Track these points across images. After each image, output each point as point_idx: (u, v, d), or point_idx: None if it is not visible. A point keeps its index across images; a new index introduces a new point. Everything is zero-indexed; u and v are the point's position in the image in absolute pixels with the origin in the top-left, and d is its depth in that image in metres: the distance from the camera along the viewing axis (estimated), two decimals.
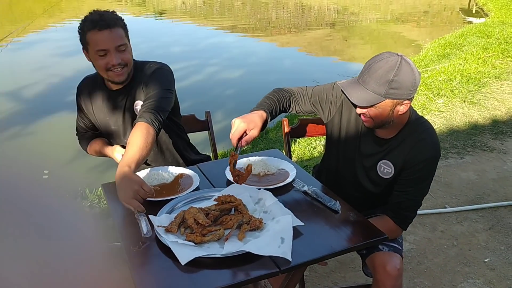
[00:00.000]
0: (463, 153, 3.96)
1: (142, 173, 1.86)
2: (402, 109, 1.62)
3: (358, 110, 1.66)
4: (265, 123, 1.70)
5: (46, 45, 10.79)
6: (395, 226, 1.74)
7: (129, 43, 1.96)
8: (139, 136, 1.68)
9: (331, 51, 10.75)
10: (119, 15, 1.95)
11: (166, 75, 2.00)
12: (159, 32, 12.70)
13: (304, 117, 2.51)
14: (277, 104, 1.82)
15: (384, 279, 1.67)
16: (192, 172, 1.88)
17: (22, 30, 12.40)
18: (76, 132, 2.28)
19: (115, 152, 2.08)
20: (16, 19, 15.29)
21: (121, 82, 1.97)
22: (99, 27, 1.83)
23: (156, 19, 14.92)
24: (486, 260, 2.64)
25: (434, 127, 4.34)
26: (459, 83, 5.53)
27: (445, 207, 3.17)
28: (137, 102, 2.03)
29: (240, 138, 1.63)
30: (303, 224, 1.50)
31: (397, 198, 1.74)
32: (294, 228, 1.47)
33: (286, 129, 2.32)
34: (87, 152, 2.26)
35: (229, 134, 1.64)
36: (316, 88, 1.91)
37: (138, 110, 1.96)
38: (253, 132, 1.64)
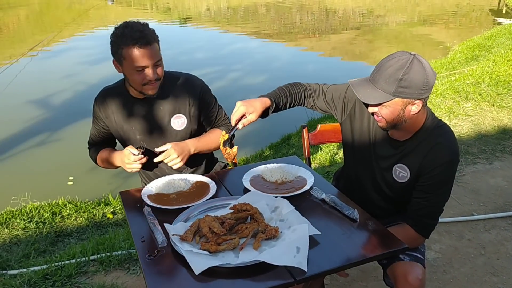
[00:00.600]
0: (491, 159, 3.84)
1: (160, 181, 1.86)
2: (414, 109, 1.57)
3: (370, 109, 1.64)
4: (266, 110, 1.76)
5: (74, 54, 11.05)
6: (416, 235, 1.68)
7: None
8: (215, 137, 2.13)
9: (356, 55, 10.66)
10: (151, 27, 1.93)
11: (211, 93, 2.17)
12: (183, 38, 12.83)
13: (324, 123, 2.47)
14: (288, 96, 1.85)
15: None
16: (209, 179, 1.87)
17: (52, 39, 12.71)
18: (88, 145, 2.28)
19: (126, 149, 2.00)
20: (46, 28, 15.72)
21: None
22: (140, 45, 1.82)
23: (181, 26, 15.09)
24: None
25: (462, 132, 4.29)
26: (487, 86, 5.38)
27: (473, 215, 3.07)
28: (177, 115, 2.07)
29: (240, 121, 1.72)
30: (319, 233, 1.47)
31: (417, 205, 1.68)
32: (310, 237, 1.44)
33: (306, 136, 2.29)
34: (96, 162, 2.25)
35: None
36: (332, 86, 1.91)
37: (177, 123, 2.08)
38: (251, 116, 1.72)
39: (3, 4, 20.90)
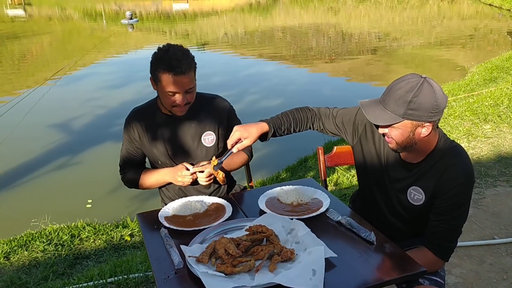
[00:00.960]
0: None
1: (176, 203, 1.88)
2: (424, 131, 1.57)
3: (380, 130, 1.65)
4: (263, 135, 1.82)
5: (94, 79, 11.28)
6: (435, 258, 1.66)
7: (195, 79, 2.03)
8: (238, 158, 2.24)
9: (372, 77, 10.66)
10: (191, 54, 1.98)
11: (236, 114, 2.27)
12: (200, 64, 13.01)
13: (341, 145, 2.47)
14: (291, 121, 1.88)
15: None
16: (225, 201, 1.88)
17: (73, 66, 13.03)
18: (120, 169, 2.24)
19: (180, 165, 2.09)
20: (68, 55, 16.12)
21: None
22: (175, 73, 1.88)
23: (199, 50, 15.35)
24: None
25: (481, 154, 4.24)
26: (506, 107, 5.32)
27: (494, 238, 3.00)
28: (207, 132, 2.16)
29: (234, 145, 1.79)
30: (336, 255, 1.46)
31: (434, 228, 1.66)
32: (326, 259, 1.43)
33: (322, 158, 2.29)
34: (137, 183, 2.21)
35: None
36: (342, 109, 1.93)
37: (207, 140, 2.16)
38: (246, 142, 1.78)
39: (28, 32, 21.59)
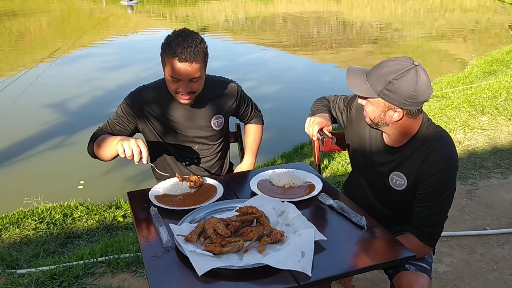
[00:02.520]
0: (506, 173, 3.77)
1: (167, 182, 1.87)
2: (395, 116, 1.57)
3: (359, 100, 1.67)
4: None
5: (92, 60, 11.21)
6: (421, 244, 1.65)
7: (205, 70, 1.98)
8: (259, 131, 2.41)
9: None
10: (203, 44, 1.91)
11: (244, 92, 2.28)
12: None
13: (335, 131, 2.46)
14: (326, 109, 1.99)
15: None
16: (216, 182, 1.87)
17: (71, 46, 12.93)
18: (98, 129, 2.09)
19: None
20: (67, 35, 16.00)
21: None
22: (179, 59, 1.85)
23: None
24: None
25: (476, 146, 4.23)
26: (504, 100, 5.31)
27: (486, 229, 3.01)
28: (217, 116, 2.16)
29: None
30: (325, 238, 1.45)
31: (419, 214, 1.66)
32: (316, 242, 1.42)
33: (316, 143, 2.28)
34: (93, 148, 2.01)
35: (305, 129, 1.85)
36: (343, 96, 2.01)
37: (217, 123, 2.16)
38: (330, 127, 1.85)
39: (26, 10, 21.38)
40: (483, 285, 2.50)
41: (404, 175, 1.68)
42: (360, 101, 1.66)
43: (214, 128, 2.16)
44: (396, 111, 1.55)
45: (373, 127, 1.71)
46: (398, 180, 1.70)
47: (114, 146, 1.81)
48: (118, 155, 1.83)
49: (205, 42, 1.95)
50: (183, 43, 1.85)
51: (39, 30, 17.32)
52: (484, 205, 3.31)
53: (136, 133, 2.16)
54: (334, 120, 2.00)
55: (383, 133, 1.72)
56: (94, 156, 2.05)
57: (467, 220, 3.12)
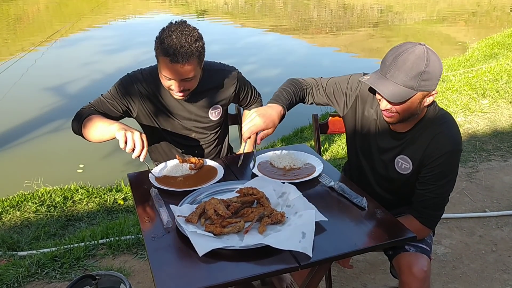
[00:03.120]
0: (507, 156, 3.77)
1: (167, 164, 1.86)
2: (429, 100, 1.55)
3: (383, 106, 1.58)
4: (281, 119, 1.71)
5: (91, 43, 11.12)
6: (421, 226, 1.66)
7: (201, 67, 1.90)
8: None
9: (373, 51, 10.55)
10: (198, 42, 1.80)
11: (244, 78, 2.21)
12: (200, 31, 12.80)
13: (336, 112, 2.44)
14: (293, 97, 1.81)
15: (410, 281, 1.59)
16: (216, 164, 1.86)
17: (69, 29, 12.83)
18: (88, 104, 1.99)
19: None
20: (65, 18, 15.84)
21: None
22: (170, 60, 1.76)
23: (198, 20, 15.09)
24: None
25: (477, 128, 4.22)
26: (505, 83, 5.28)
27: (485, 211, 3.02)
28: (215, 106, 2.10)
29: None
30: (326, 219, 1.45)
31: (420, 196, 1.66)
32: (317, 223, 1.42)
33: (316, 125, 2.27)
34: (80, 126, 1.90)
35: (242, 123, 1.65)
36: (332, 79, 1.88)
37: (214, 114, 2.10)
38: (269, 131, 1.67)
39: None
40: (482, 267, 2.52)
41: (410, 159, 1.67)
42: (385, 106, 1.57)
43: (212, 118, 2.12)
44: (431, 94, 1.53)
45: (394, 123, 1.65)
46: (404, 164, 1.69)
47: (110, 132, 1.71)
48: (108, 139, 1.77)
49: (202, 39, 1.84)
50: (176, 42, 1.74)
51: (37, 14, 17.16)
52: (483, 187, 3.32)
53: (126, 118, 2.04)
54: (313, 103, 1.90)
55: None
56: (78, 134, 1.93)
57: (466, 202, 3.13)
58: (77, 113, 1.95)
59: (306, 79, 1.91)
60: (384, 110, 1.61)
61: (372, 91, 1.71)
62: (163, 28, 1.81)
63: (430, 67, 1.47)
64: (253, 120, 1.63)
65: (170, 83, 1.87)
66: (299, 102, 1.87)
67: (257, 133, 1.66)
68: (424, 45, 1.50)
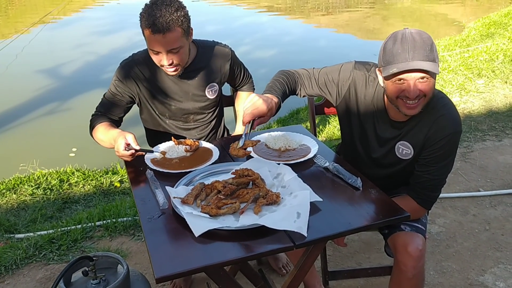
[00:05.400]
0: (501, 136, 3.79)
1: (163, 146, 1.86)
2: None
3: (413, 94, 1.49)
4: (277, 110, 1.67)
5: (84, 24, 10.99)
6: (418, 207, 1.67)
7: (188, 38, 1.88)
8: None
9: (369, 32, 10.48)
10: (180, 11, 1.79)
11: (237, 58, 2.21)
12: (194, 11, 12.67)
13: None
14: (286, 87, 1.77)
15: (405, 260, 1.61)
16: (212, 145, 1.86)
17: (62, 10, 12.65)
18: (95, 110, 2.06)
19: (119, 138, 1.73)
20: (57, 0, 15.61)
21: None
22: (152, 31, 1.75)
23: (193, 1, 14.91)
24: None
25: (472, 108, 4.24)
26: (501, 63, 5.28)
27: (479, 191, 3.04)
28: (211, 84, 2.10)
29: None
30: (321, 199, 1.46)
31: (419, 178, 1.67)
32: (312, 203, 1.43)
33: (312, 106, 2.26)
34: (92, 129, 1.99)
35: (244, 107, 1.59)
36: (323, 69, 1.83)
37: (211, 92, 2.10)
38: (266, 119, 1.61)
39: None
40: (475, 245, 2.55)
41: (410, 145, 1.68)
42: (414, 93, 1.49)
43: (209, 97, 2.11)
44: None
45: (411, 115, 1.59)
46: (404, 150, 1.70)
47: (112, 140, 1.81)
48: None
49: (184, 8, 1.82)
50: (156, 12, 1.74)
51: None
52: (478, 167, 3.34)
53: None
54: (305, 95, 1.87)
55: (387, 109, 1.69)
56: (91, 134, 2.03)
57: (461, 182, 3.16)
58: (90, 121, 2.03)
59: (298, 70, 1.86)
60: (408, 102, 1.52)
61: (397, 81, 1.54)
62: (146, 3, 1.82)
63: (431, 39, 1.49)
64: (255, 103, 1.56)
65: (159, 58, 1.85)
66: (291, 94, 1.83)
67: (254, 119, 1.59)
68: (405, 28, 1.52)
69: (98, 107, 2.06)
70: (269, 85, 1.75)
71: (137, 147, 1.73)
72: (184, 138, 2.04)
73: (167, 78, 2.01)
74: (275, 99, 1.64)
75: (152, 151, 1.81)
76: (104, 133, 1.91)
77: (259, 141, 1.70)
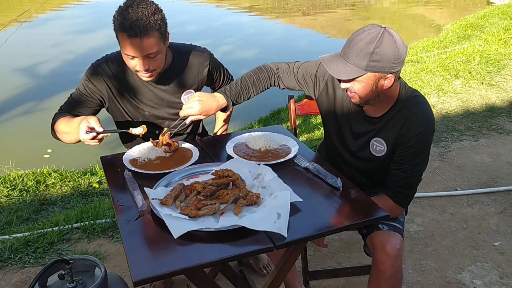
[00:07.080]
0: (478, 136, 3.86)
1: (142, 146, 1.84)
2: (386, 83, 1.55)
3: (343, 85, 1.61)
4: (223, 109, 1.80)
5: (62, 23, 10.82)
6: (395, 205, 1.69)
7: (165, 43, 1.81)
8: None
9: (349, 32, 10.57)
10: (157, 14, 1.71)
11: (217, 61, 2.14)
12: (174, 11, 12.62)
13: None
14: (250, 87, 1.86)
15: (383, 259, 1.62)
16: (191, 145, 1.85)
17: (39, 8, 12.44)
18: (58, 109, 1.96)
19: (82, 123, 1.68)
20: None
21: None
22: (128, 34, 1.67)
23: (173, 0, 14.80)
24: (496, 244, 2.58)
25: (449, 109, 4.30)
26: (477, 64, 5.37)
27: (456, 190, 3.09)
28: (188, 91, 2.02)
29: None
30: (301, 200, 1.45)
31: (394, 176, 1.69)
32: (292, 204, 1.43)
33: (292, 106, 2.26)
34: (54, 129, 1.92)
35: (186, 105, 1.73)
36: (303, 64, 1.88)
37: (187, 99, 1.99)
38: (201, 116, 1.75)
39: None
40: (452, 243, 2.59)
41: (384, 141, 1.69)
42: (344, 85, 1.60)
43: (184, 103, 2.01)
44: (387, 78, 1.53)
45: (361, 106, 1.67)
46: (378, 147, 1.71)
47: (76, 138, 1.75)
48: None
49: (161, 11, 1.75)
50: (132, 16, 1.66)
51: None
52: (455, 167, 3.40)
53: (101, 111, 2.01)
54: (285, 88, 1.94)
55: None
56: (58, 139, 1.93)
57: (439, 181, 3.20)
58: (52, 120, 1.93)
59: (279, 64, 1.91)
60: (346, 91, 1.63)
61: None
62: (120, 6, 1.74)
63: (380, 49, 1.47)
64: (191, 104, 1.71)
65: (134, 63, 1.77)
66: (264, 89, 1.91)
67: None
68: (385, 28, 1.51)
69: (62, 106, 1.96)
70: (235, 81, 1.87)
71: (100, 129, 1.67)
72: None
73: (141, 83, 1.93)
74: (223, 102, 1.77)
75: (118, 131, 1.79)
76: (67, 124, 1.81)
77: (177, 142, 1.82)
